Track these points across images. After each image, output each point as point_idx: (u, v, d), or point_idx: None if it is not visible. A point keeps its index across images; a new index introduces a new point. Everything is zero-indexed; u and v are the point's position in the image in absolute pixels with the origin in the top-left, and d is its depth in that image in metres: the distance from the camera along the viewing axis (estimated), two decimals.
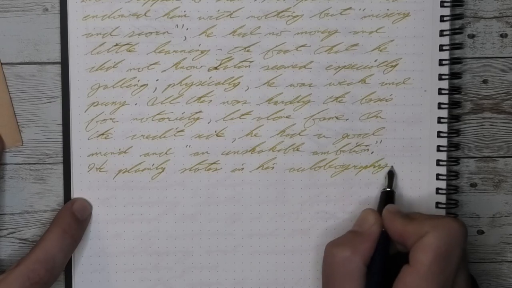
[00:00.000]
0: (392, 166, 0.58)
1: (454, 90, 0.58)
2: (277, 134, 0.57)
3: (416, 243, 0.50)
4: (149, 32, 0.56)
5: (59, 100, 0.57)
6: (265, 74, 0.57)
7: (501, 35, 0.59)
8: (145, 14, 0.56)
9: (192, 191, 0.57)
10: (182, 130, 0.57)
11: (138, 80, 0.57)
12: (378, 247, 0.53)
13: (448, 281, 0.49)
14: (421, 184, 0.58)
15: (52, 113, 0.57)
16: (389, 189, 0.57)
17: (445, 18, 0.58)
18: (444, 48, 0.58)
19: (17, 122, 0.57)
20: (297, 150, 0.58)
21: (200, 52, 0.57)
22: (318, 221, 0.58)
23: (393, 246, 0.54)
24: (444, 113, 0.58)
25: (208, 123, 0.57)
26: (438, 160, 0.58)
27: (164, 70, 0.57)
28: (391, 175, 0.57)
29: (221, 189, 0.57)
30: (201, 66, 0.57)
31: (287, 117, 0.57)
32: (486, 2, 0.59)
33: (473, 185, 0.60)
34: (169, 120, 0.57)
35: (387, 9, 0.57)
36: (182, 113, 0.57)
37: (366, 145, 0.58)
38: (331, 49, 0.57)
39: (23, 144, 0.57)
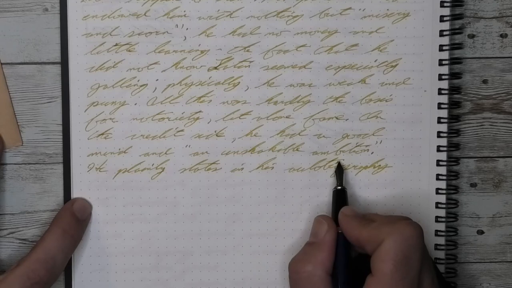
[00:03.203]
0: (339, 162, 0.57)
1: (454, 90, 0.58)
2: (277, 134, 0.57)
3: (374, 252, 0.50)
4: (149, 32, 0.56)
5: (59, 100, 0.57)
6: (265, 74, 0.57)
7: (501, 35, 0.59)
8: (145, 14, 0.56)
9: (192, 191, 0.57)
10: (182, 130, 0.57)
11: (138, 80, 0.57)
12: (338, 253, 0.53)
13: (412, 285, 0.49)
14: (421, 184, 0.58)
15: (52, 113, 0.57)
16: (340, 187, 0.56)
17: (445, 18, 0.58)
18: (444, 48, 0.58)
19: (17, 122, 0.57)
20: (297, 150, 0.58)
21: (200, 52, 0.57)
22: None
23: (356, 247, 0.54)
24: (444, 113, 0.58)
25: (208, 123, 0.57)
26: (438, 160, 0.58)
27: (164, 70, 0.57)
28: (340, 171, 0.57)
29: (221, 189, 0.57)
30: (201, 66, 0.57)
31: (287, 117, 0.57)
32: (486, 2, 0.59)
33: (473, 185, 0.60)
34: (169, 120, 0.57)
35: (387, 9, 0.57)
36: (182, 113, 0.57)
37: (366, 145, 0.58)
38: (331, 49, 0.57)
39: (23, 144, 0.57)
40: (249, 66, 0.57)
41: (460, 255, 0.60)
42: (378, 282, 0.49)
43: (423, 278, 0.50)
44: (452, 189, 0.59)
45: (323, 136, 0.58)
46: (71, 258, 0.56)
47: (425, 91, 0.58)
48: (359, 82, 0.58)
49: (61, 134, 0.57)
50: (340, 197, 0.56)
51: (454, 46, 0.58)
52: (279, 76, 0.57)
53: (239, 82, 0.57)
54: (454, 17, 0.58)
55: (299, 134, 0.58)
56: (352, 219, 0.53)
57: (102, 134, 0.57)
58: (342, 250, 0.53)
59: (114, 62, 0.56)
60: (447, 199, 0.58)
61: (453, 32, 0.58)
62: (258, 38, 0.57)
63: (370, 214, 0.54)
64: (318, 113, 0.58)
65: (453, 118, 0.58)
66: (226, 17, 0.57)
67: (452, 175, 0.59)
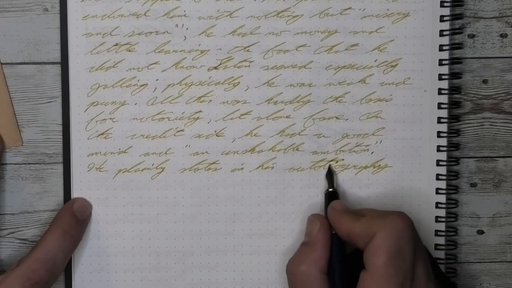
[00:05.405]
0: (330, 165, 0.57)
1: (454, 90, 0.58)
2: (277, 134, 0.57)
3: (366, 246, 0.50)
4: (149, 32, 0.56)
5: (59, 100, 0.57)
6: (265, 74, 0.57)
7: (501, 35, 0.59)
8: (145, 14, 0.56)
9: (192, 191, 0.57)
10: (182, 130, 0.57)
11: (138, 80, 0.57)
12: (332, 251, 0.53)
13: (406, 277, 0.49)
14: (421, 184, 0.58)
15: (52, 113, 0.57)
16: (331, 189, 0.57)
17: (445, 18, 0.58)
18: (444, 48, 0.58)
19: (17, 122, 0.57)
20: (297, 150, 0.58)
21: (200, 52, 0.57)
22: None
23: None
24: (444, 113, 0.58)
25: (208, 123, 0.57)
26: (438, 160, 0.58)
27: (164, 70, 0.57)
28: (330, 174, 0.57)
29: (221, 189, 0.57)
30: (201, 66, 0.57)
31: (287, 117, 0.57)
32: (486, 2, 0.59)
33: (473, 185, 0.60)
34: (169, 120, 0.57)
35: (387, 9, 0.57)
36: (182, 113, 0.57)
37: (366, 145, 0.58)
38: (331, 49, 0.57)
39: (23, 144, 0.57)
40: (249, 66, 0.57)
41: (460, 255, 0.60)
42: (371, 276, 0.49)
43: (417, 270, 0.50)
44: (452, 189, 0.59)
45: (323, 136, 0.58)
46: (71, 258, 0.56)
47: (425, 91, 0.58)
48: (359, 82, 0.58)
49: (61, 134, 0.57)
50: (332, 199, 0.56)
51: (454, 46, 0.58)
52: (279, 76, 0.57)
53: (239, 82, 0.57)
54: (454, 17, 0.58)
55: (299, 134, 0.58)
56: (342, 214, 0.53)
57: (102, 134, 0.57)
58: (337, 247, 0.53)
59: (114, 62, 0.57)
60: (447, 199, 0.58)
61: (453, 32, 0.58)
62: (258, 38, 0.57)
63: (360, 209, 0.54)
64: (318, 113, 0.58)
65: (453, 118, 0.58)
66: (226, 17, 0.57)
67: (452, 175, 0.59)
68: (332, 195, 0.56)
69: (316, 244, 0.53)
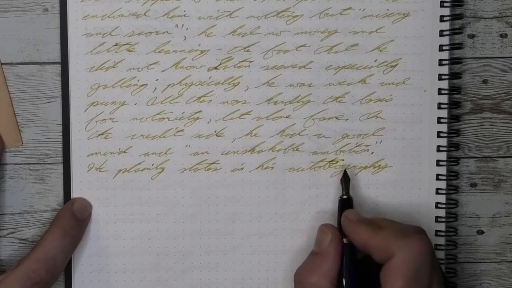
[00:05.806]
0: (345, 169, 0.57)
1: (454, 90, 0.58)
2: (277, 134, 0.57)
3: (384, 265, 0.49)
4: (149, 32, 0.56)
5: (59, 100, 0.57)
6: (265, 74, 0.57)
7: (501, 35, 0.59)
8: (145, 14, 0.56)
9: (192, 191, 0.57)
10: (182, 130, 0.57)
11: (138, 80, 0.57)
12: (343, 263, 0.52)
13: None
14: (421, 184, 0.58)
15: (52, 113, 0.57)
16: (346, 196, 0.56)
17: (445, 18, 0.58)
18: (444, 48, 0.58)
19: (17, 122, 0.57)
20: (297, 150, 0.58)
21: (200, 52, 0.57)
22: (318, 221, 0.58)
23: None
24: (444, 113, 0.58)
25: (208, 123, 0.57)
26: (438, 160, 0.58)
27: (164, 70, 0.57)
28: (346, 179, 0.56)
29: (221, 189, 0.57)
30: (201, 66, 0.57)
31: (287, 117, 0.57)
32: (486, 2, 0.59)
33: (473, 185, 0.60)
34: (168, 120, 0.57)
35: (387, 9, 0.57)
36: (182, 113, 0.57)
37: (366, 146, 0.58)
38: (331, 49, 0.57)
39: (23, 144, 0.57)
40: (249, 66, 0.57)
41: (460, 255, 0.60)
42: None
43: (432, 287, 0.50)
44: (452, 189, 0.59)
45: (323, 136, 0.58)
46: (71, 258, 0.56)
47: (425, 91, 0.58)
48: (359, 82, 0.58)
49: (61, 134, 0.57)
50: (346, 207, 0.55)
51: (454, 46, 0.58)
52: (279, 76, 0.57)
53: (239, 82, 0.57)
54: (454, 17, 0.58)
55: (299, 134, 0.58)
56: (357, 225, 0.52)
57: (102, 134, 0.57)
58: (347, 259, 0.52)
59: (114, 62, 0.57)
60: (447, 199, 0.58)
61: (453, 32, 0.58)
62: (258, 38, 0.57)
63: (376, 219, 0.53)
64: (318, 113, 0.58)
65: (453, 118, 0.58)
66: (226, 17, 0.57)
67: (452, 175, 0.59)
68: (346, 202, 0.55)
69: (327, 255, 0.52)
